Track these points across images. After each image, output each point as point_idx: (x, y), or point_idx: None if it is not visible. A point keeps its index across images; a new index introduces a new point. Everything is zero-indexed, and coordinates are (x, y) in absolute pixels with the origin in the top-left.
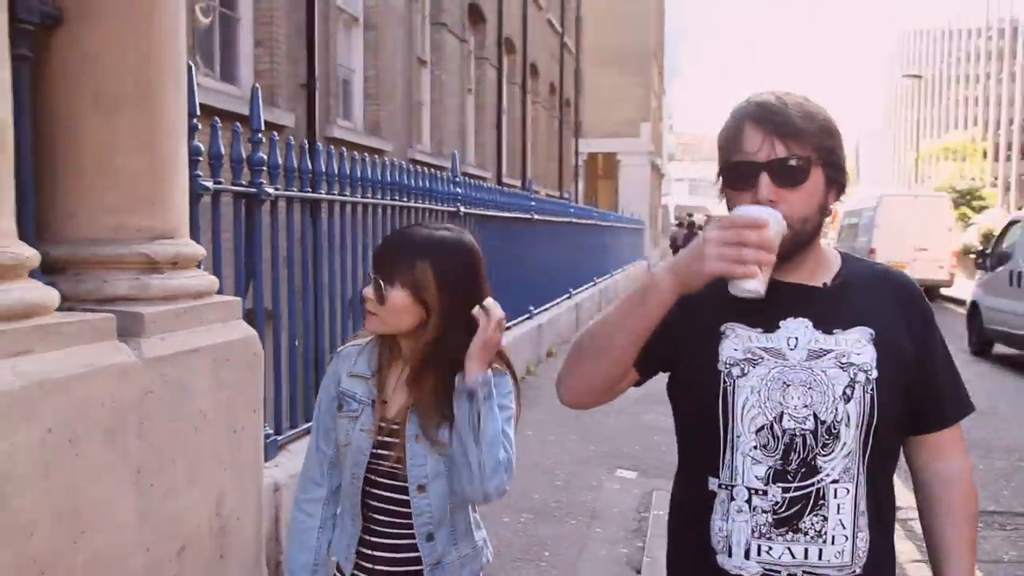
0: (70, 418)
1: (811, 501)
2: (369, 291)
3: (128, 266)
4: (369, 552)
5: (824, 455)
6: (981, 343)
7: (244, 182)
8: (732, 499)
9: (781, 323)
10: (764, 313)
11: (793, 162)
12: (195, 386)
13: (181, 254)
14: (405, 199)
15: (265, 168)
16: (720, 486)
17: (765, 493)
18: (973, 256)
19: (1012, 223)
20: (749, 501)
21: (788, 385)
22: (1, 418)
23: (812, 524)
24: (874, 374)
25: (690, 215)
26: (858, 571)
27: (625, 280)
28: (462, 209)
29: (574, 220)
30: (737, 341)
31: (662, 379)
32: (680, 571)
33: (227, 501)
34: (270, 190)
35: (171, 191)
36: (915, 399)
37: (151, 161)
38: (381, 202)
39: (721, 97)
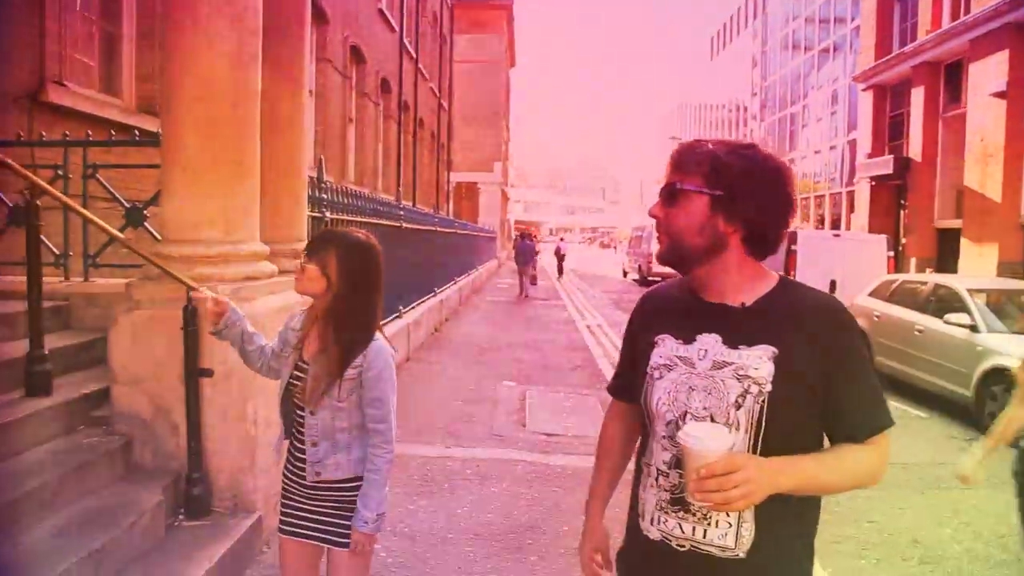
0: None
1: None
2: (298, 264)
3: (288, 255)
4: (292, 451)
5: None
6: None
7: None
8: (649, 475)
9: (697, 337)
10: (687, 328)
11: (670, 186)
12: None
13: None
14: None
15: None
16: (644, 463)
17: (667, 475)
18: None
19: None
20: (657, 479)
21: (692, 390)
22: (276, 318)
23: (700, 508)
24: (768, 388)
25: (523, 230)
26: (741, 555)
27: (483, 274)
28: (327, 215)
29: (438, 228)
30: (663, 349)
31: (523, 332)
32: (627, 526)
33: None
34: None
35: (299, 218)
36: (825, 415)
37: (296, 204)
38: None
39: (544, 139)
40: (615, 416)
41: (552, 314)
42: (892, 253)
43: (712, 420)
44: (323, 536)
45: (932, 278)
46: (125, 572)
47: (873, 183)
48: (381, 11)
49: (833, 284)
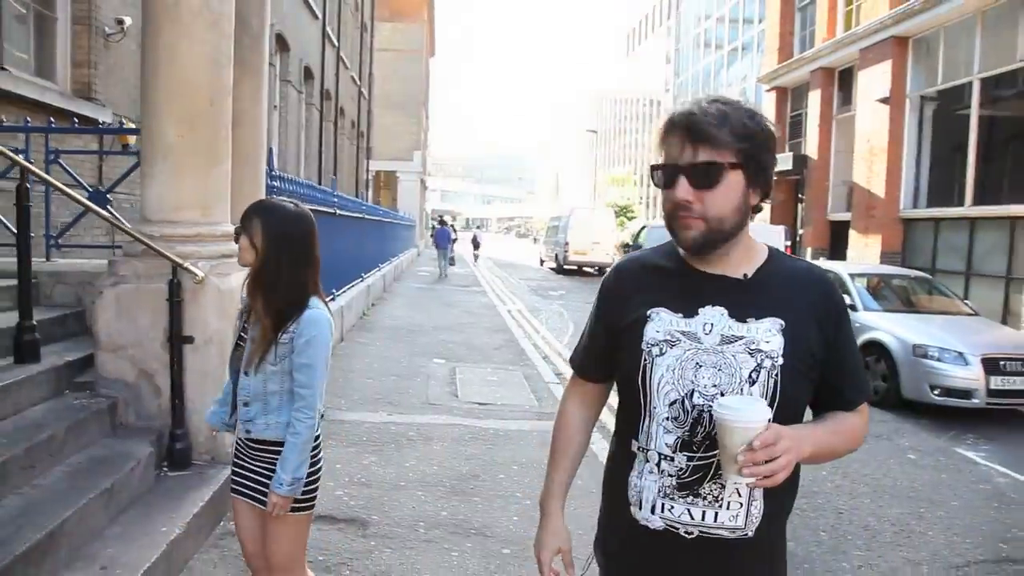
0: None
1: (712, 470)
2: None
3: None
4: (236, 411)
5: None
6: None
7: None
8: (646, 460)
9: (700, 310)
10: (686, 300)
11: (707, 165)
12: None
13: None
14: None
15: None
16: (639, 448)
17: (672, 459)
18: (626, 247)
19: (643, 227)
20: (659, 464)
21: (700, 366)
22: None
23: (711, 491)
24: (780, 361)
25: (441, 216)
26: (750, 534)
27: (404, 261)
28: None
29: (367, 216)
30: (660, 324)
31: (447, 316)
32: (608, 517)
33: None
34: None
35: None
36: (821, 386)
37: (257, 190)
38: None
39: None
40: (578, 399)
41: (474, 299)
42: (790, 242)
43: (722, 396)
44: (257, 496)
45: (820, 264)
46: (130, 508)
47: (775, 178)
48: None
49: None
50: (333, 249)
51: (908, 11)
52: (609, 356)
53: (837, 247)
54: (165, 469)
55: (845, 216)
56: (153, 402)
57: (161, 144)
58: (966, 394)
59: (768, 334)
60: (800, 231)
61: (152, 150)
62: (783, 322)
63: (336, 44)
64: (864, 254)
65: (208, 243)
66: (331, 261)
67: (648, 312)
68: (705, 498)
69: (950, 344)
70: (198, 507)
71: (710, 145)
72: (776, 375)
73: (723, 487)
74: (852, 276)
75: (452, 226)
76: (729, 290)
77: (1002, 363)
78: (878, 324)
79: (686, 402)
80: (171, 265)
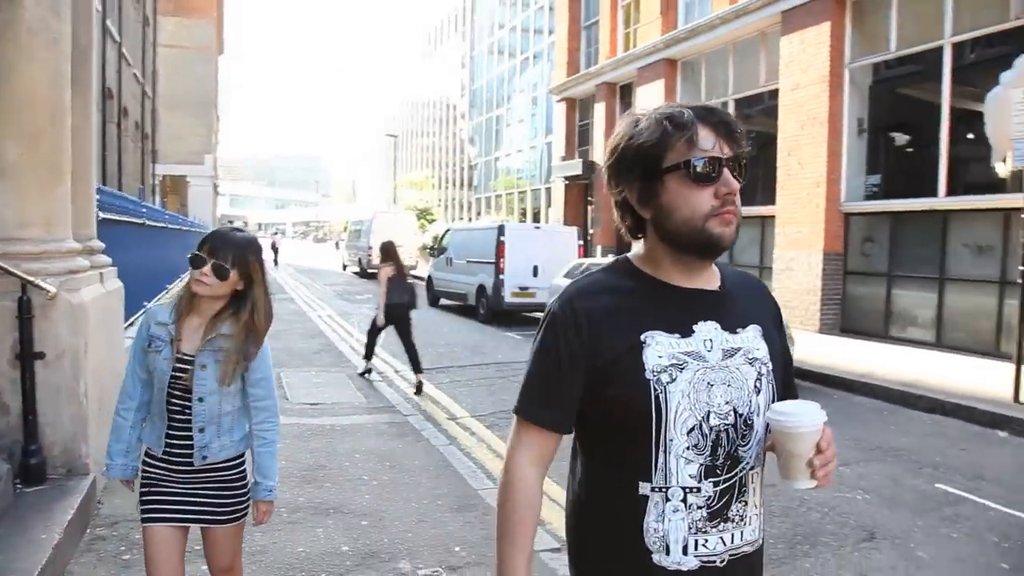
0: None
1: (736, 490)
2: (207, 267)
3: (86, 251)
4: (172, 440)
5: (743, 445)
6: (434, 299)
7: None
8: (667, 500)
9: (695, 327)
10: (677, 318)
11: (745, 159)
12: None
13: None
14: None
15: None
16: (653, 489)
17: (699, 490)
18: (428, 250)
19: (447, 230)
20: (684, 500)
21: (712, 385)
22: (82, 313)
23: (738, 511)
24: (770, 366)
25: (231, 221)
26: (761, 541)
27: None
28: (99, 214)
29: (170, 226)
30: (660, 348)
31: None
32: (611, 574)
33: None
34: None
35: (92, 216)
36: (779, 385)
37: (89, 205)
38: None
39: (253, 132)
40: (535, 458)
41: (282, 307)
42: (582, 242)
43: (736, 413)
44: (203, 517)
45: (607, 260)
46: (1, 521)
47: (567, 182)
48: None
49: (536, 269)
50: (143, 261)
51: (676, 38)
52: (589, 398)
53: (623, 245)
54: (19, 485)
55: None
56: (2, 420)
57: (1, 163)
58: None
59: (756, 341)
60: (591, 231)
61: None
62: (760, 328)
63: (118, 39)
64: None
65: (56, 260)
66: (143, 273)
67: (641, 337)
68: (734, 520)
69: None
70: (70, 515)
71: (737, 144)
72: (771, 381)
73: (746, 504)
74: None
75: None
76: (713, 303)
77: None
78: None
79: (703, 426)
80: (19, 283)
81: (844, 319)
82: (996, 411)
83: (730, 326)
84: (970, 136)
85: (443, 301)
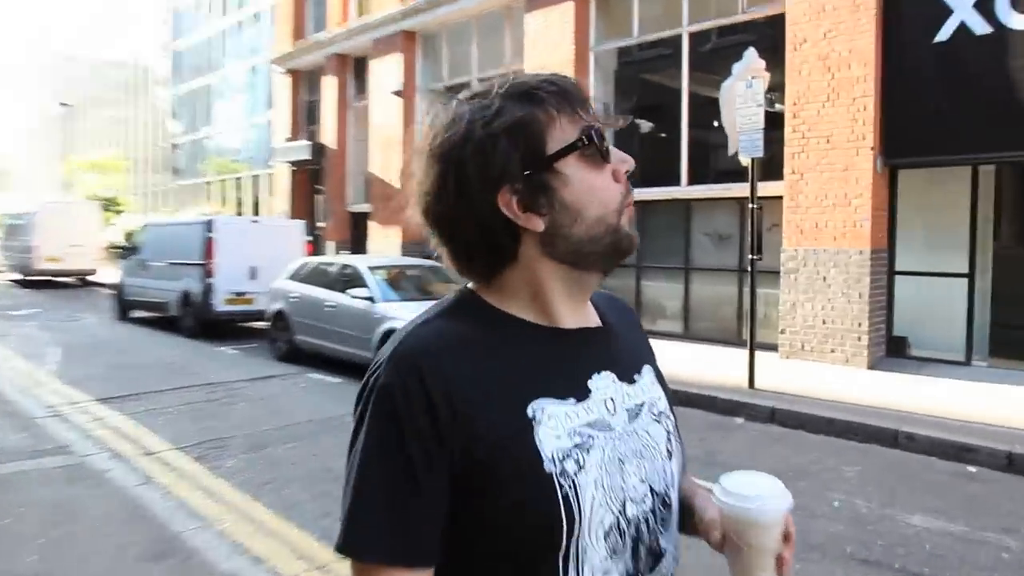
0: None
1: None
2: None
3: None
4: None
5: (663, 533)
6: (124, 311)
7: None
8: None
9: (589, 384)
10: (567, 376)
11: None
12: None
13: None
14: None
15: None
16: None
17: None
18: (119, 249)
19: (145, 225)
20: None
21: (623, 461)
22: None
23: None
24: (673, 419)
25: None
26: None
27: None
28: None
29: None
30: (556, 424)
31: None
32: None
33: None
34: None
35: None
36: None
37: None
38: None
39: None
40: None
41: None
42: (311, 238)
43: (653, 492)
44: None
45: (339, 259)
46: None
47: (293, 167)
48: None
49: (254, 271)
50: None
51: (415, 8)
52: (459, 516)
53: (359, 240)
54: None
55: (365, 207)
56: None
57: None
58: None
59: (655, 388)
60: (321, 224)
61: None
62: (651, 367)
63: None
64: (386, 246)
65: None
66: None
67: (529, 412)
68: None
69: None
70: None
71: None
72: (678, 439)
73: None
74: (371, 269)
75: None
76: (603, 345)
77: None
78: (396, 313)
79: (621, 521)
80: None
81: None
82: (734, 398)
83: (626, 374)
84: (715, 124)
85: (138, 312)
